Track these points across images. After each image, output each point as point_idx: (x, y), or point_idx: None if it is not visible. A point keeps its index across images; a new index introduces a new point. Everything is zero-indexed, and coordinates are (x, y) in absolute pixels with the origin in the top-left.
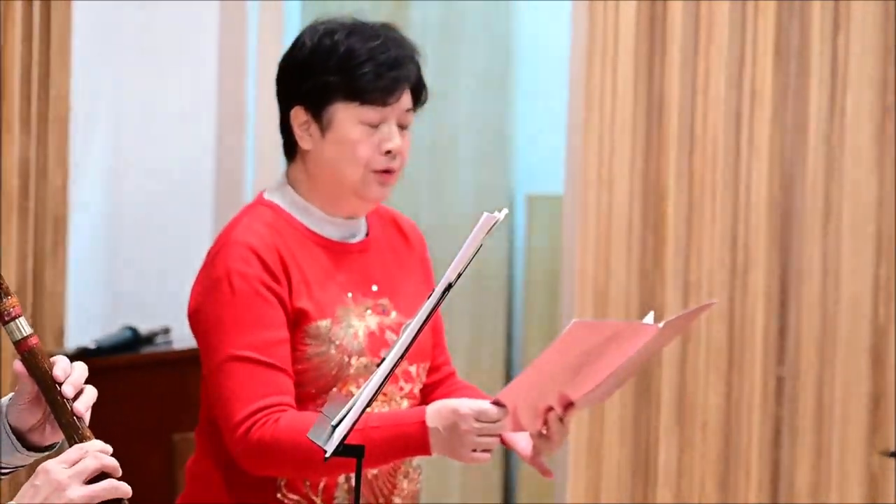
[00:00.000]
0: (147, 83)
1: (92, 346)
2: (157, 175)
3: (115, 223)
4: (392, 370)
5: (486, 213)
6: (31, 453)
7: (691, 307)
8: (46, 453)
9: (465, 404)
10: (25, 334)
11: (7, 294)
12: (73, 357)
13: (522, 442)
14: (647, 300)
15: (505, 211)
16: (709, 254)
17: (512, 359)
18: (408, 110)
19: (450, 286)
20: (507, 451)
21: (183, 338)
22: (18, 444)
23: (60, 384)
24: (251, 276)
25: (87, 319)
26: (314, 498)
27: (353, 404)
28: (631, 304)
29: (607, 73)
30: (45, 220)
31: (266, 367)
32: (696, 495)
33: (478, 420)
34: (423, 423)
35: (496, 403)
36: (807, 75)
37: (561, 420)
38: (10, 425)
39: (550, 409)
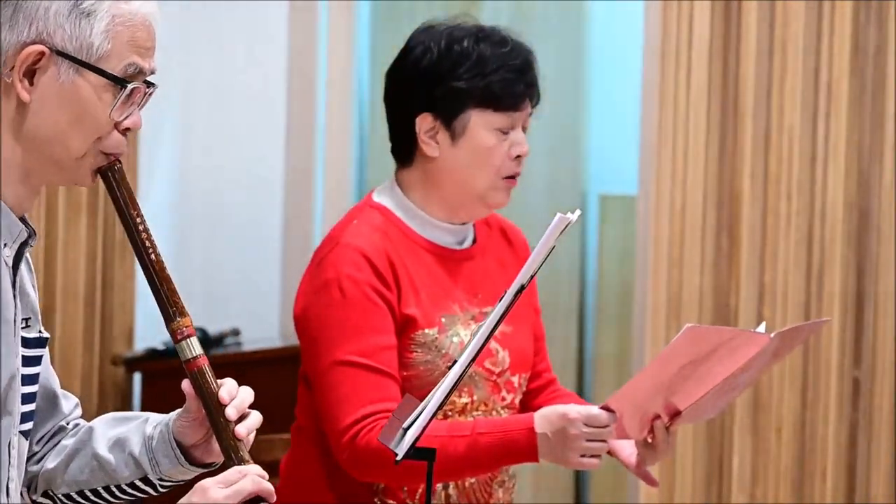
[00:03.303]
0: (216, 84)
1: (161, 347)
2: (227, 176)
3: (185, 225)
4: (464, 373)
5: (559, 214)
6: (193, 468)
7: (806, 321)
8: (207, 470)
9: (574, 409)
10: (196, 354)
11: (182, 314)
12: (142, 357)
13: (627, 450)
14: (721, 301)
15: (578, 211)
16: (784, 255)
17: (584, 360)
18: (530, 114)
19: (522, 287)
20: None
21: (252, 339)
22: (182, 458)
23: (225, 406)
24: (362, 281)
25: (157, 320)
26: None
27: (425, 406)
28: (704, 305)
29: (681, 73)
30: (113, 220)
31: (374, 373)
32: (770, 498)
33: (587, 425)
34: (532, 429)
35: (605, 409)
36: (884, 74)
37: (667, 429)
38: (175, 439)
39: (657, 417)
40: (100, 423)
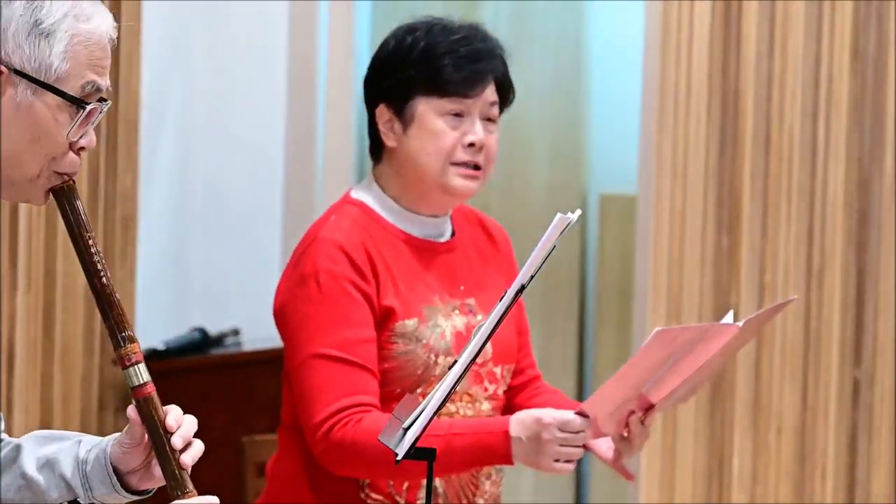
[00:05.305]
0: (216, 84)
1: (161, 347)
2: (226, 175)
3: (185, 224)
4: (464, 373)
5: (559, 214)
6: (128, 494)
7: (770, 304)
8: (142, 497)
9: (549, 414)
10: (143, 381)
11: (131, 340)
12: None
13: (603, 446)
14: (721, 301)
15: (578, 211)
16: (784, 254)
17: (584, 359)
18: (493, 103)
19: (523, 287)
20: None
21: (252, 339)
22: (118, 484)
23: (171, 435)
24: (339, 275)
25: (157, 321)
26: (398, 498)
27: (426, 406)
28: (704, 304)
29: (682, 72)
30: (114, 221)
31: (351, 366)
32: (770, 498)
33: (561, 430)
34: (507, 432)
35: (580, 414)
36: (884, 74)
37: (642, 422)
38: (111, 465)
39: (632, 412)
40: (29, 440)
